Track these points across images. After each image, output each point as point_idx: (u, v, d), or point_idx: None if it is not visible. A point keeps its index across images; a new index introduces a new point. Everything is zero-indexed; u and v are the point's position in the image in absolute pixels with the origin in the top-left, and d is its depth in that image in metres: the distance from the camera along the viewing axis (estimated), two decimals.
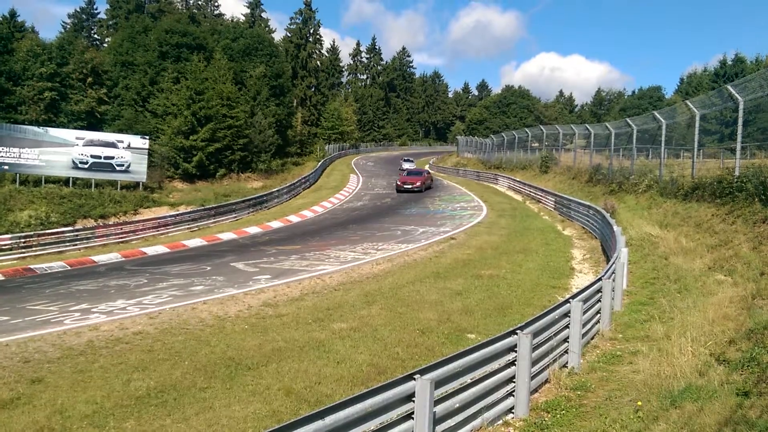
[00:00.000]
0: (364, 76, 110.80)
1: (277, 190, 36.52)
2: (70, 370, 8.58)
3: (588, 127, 33.37)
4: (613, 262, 11.21)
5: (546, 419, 6.68)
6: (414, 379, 5.59)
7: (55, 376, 8.32)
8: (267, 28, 76.61)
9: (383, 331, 10.18)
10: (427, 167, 54.66)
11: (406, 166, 55.27)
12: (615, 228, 15.29)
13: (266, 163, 49.45)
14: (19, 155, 33.04)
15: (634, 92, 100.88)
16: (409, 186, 35.97)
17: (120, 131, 40.82)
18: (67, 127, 39.31)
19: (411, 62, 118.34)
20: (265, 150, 49.78)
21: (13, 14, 52.38)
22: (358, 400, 5.16)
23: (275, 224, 26.89)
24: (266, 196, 34.64)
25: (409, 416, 5.62)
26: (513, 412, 6.83)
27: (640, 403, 6.63)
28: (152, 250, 21.34)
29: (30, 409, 7.26)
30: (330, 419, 4.86)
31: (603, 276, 10.05)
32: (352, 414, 5.06)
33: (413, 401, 5.59)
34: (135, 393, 7.69)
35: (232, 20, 76.52)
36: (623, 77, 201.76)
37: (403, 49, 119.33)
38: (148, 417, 7.03)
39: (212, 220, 28.92)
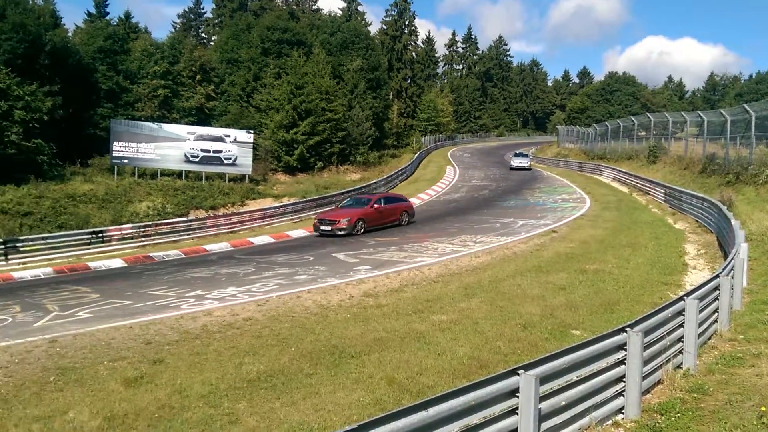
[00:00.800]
0: (460, 66, 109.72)
1: (375, 182, 37.00)
2: (187, 352, 9.13)
3: (700, 114, 31.37)
4: (732, 258, 10.51)
5: (659, 422, 6.39)
6: (518, 374, 5.51)
7: (174, 358, 8.88)
8: (363, 22, 77.50)
9: (484, 324, 10.10)
10: (528, 163, 47.40)
11: (516, 163, 46.79)
12: (733, 222, 14.33)
13: (364, 155, 50.15)
14: (137, 150, 35.38)
15: (751, 76, 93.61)
16: (327, 228, 21.82)
17: (227, 126, 42.78)
18: (179, 123, 41.61)
19: (508, 51, 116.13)
20: (362, 142, 50.50)
21: (128, 16, 56.05)
22: (461, 393, 5.15)
23: None
24: (364, 188, 35.18)
25: (513, 412, 5.55)
26: (623, 413, 6.58)
27: (764, 408, 6.21)
28: (258, 240, 22.30)
29: (152, 387, 7.80)
30: (433, 410, 4.89)
31: (721, 272, 9.44)
32: (455, 406, 5.06)
33: (517, 396, 5.51)
34: (246, 376, 8.08)
35: (329, 15, 78.01)
36: (739, 61, 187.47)
37: (500, 37, 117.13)
38: (259, 399, 7.37)
39: (314, 212, 29.64)
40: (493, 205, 28.46)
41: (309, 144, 44.58)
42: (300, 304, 11.74)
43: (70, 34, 48.57)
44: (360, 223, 22.03)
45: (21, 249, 21.56)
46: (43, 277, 17.62)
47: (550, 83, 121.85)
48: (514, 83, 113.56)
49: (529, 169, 46.03)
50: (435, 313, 10.87)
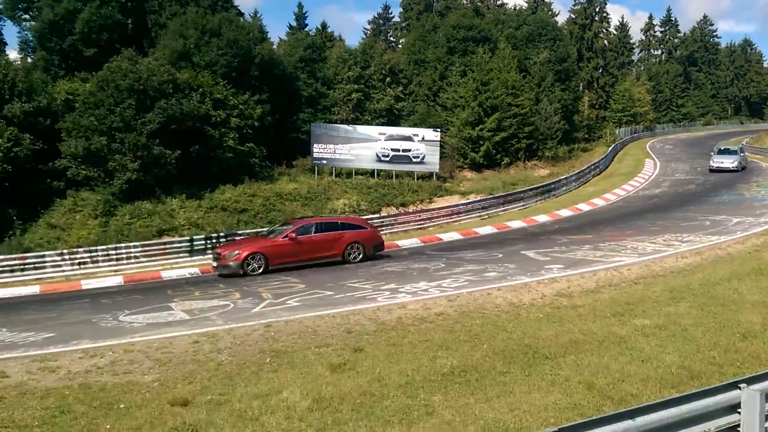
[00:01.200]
0: (659, 52, 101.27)
1: (565, 178, 35.71)
2: (384, 342, 9.59)
3: None
4: None
5: None
6: (739, 387, 5.04)
7: (373, 347, 9.37)
8: (550, 12, 74.99)
9: (694, 331, 9.27)
10: (735, 162, 35.58)
11: (717, 163, 35.61)
12: None
13: (552, 150, 48.58)
14: (334, 151, 37.80)
15: None
16: (215, 264, 17.68)
17: (415, 125, 43.97)
18: (371, 124, 43.65)
19: (714, 31, 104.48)
20: (551, 137, 48.97)
21: (324, 26, 60.09)
22: (672, 404, 4.84)
23: (564, 213, 26.42)
24: (554, 183, 34.15)
25: (733, 429, 5.08)
26: None
27: None
28: (447, 237, 22.69)
29: (354, 374, 8.30)
30: (641, 420, 4.66)
31: None
32: (665, 418, 4.77)
33: (738, 413, 5.03)
34: (440, 370, 8.26)
35: (514, 9, 76.64)
36: None
37: (705, 17, 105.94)
38: (454, 394, 7.50)
39: (501, 209, 29.55)
40: (701, 200, 25.95)
41: (495, 140, 44.23)
42: (490, 302, 11.74)
43: (275, 46, 53.17)
44: (256, 259, 16.82)
45: None
46: None
47: (766, 64, 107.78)
48: (722, 66, 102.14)
49: (737, 170, 34.74)
50: (637, 316, 10.21)
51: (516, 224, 24.42)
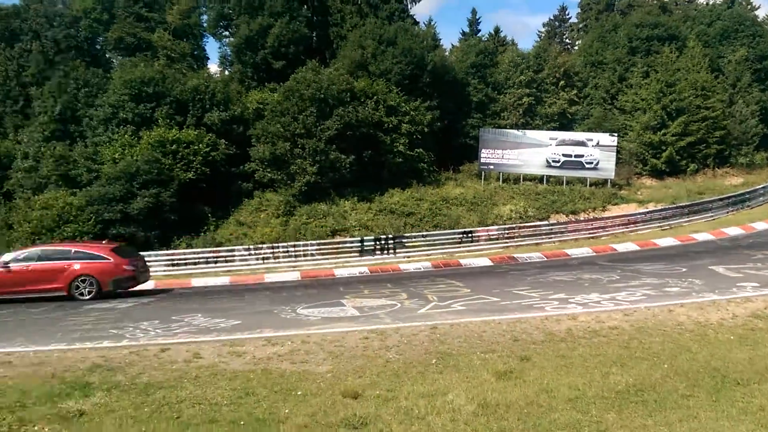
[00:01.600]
0: None
1: (762, 188, 32.23)
2: (552, 353, 9.27)
3: None
4: None
5: None
6: None
7: (540, 357, 9.10)
8: (749, 6, 67.64)
9: None
10: None
11: None
12: None
13: (748, 156, 43.76)
14: (502, 156, 37.38)
15: None
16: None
17: (589, 130, 41.95)
18: (541, 129, 42.48)
19: None
20: (746, 142, 44.15)
21: (497, 31, 59.44)
22: None
23: (760, 226, 23.91)
24: (748, 193, 30.96)
25: None
26: None
27: None
28: (622, 247, 21.49)
29: (520, 383, 8.11)
30: None
31: None
32: None
33: None
34: (614, 387, 7.81)
35: (707, 4, 70.18)
36: None
37: None
38: (629, 413, 7.05)
39: (685, 219, 27.39)
40: None
41: (680, 145, 40.84)
42: (672, 319, 10.87)
43: (447, 53, 53.71)
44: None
45: (405, 244, 24.91)
46: (422, 270, 19.99)
47: None
48: None
49: None
50: None
51: (702, 237, 22.46)
